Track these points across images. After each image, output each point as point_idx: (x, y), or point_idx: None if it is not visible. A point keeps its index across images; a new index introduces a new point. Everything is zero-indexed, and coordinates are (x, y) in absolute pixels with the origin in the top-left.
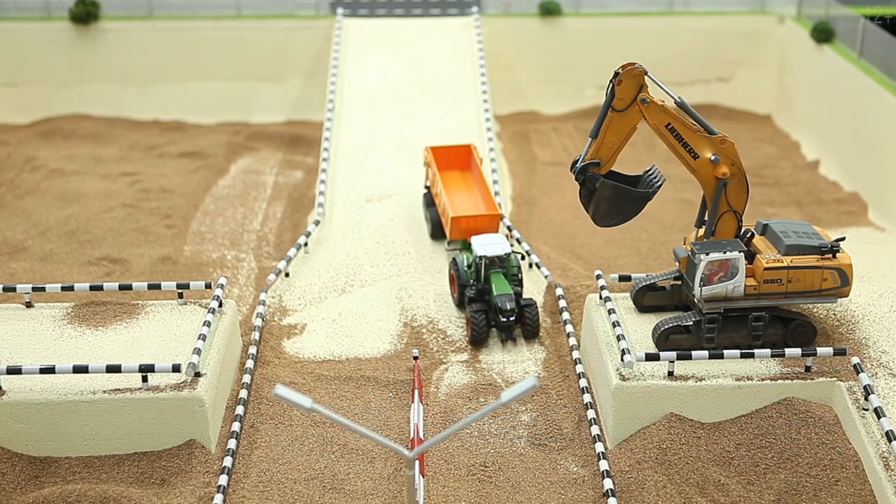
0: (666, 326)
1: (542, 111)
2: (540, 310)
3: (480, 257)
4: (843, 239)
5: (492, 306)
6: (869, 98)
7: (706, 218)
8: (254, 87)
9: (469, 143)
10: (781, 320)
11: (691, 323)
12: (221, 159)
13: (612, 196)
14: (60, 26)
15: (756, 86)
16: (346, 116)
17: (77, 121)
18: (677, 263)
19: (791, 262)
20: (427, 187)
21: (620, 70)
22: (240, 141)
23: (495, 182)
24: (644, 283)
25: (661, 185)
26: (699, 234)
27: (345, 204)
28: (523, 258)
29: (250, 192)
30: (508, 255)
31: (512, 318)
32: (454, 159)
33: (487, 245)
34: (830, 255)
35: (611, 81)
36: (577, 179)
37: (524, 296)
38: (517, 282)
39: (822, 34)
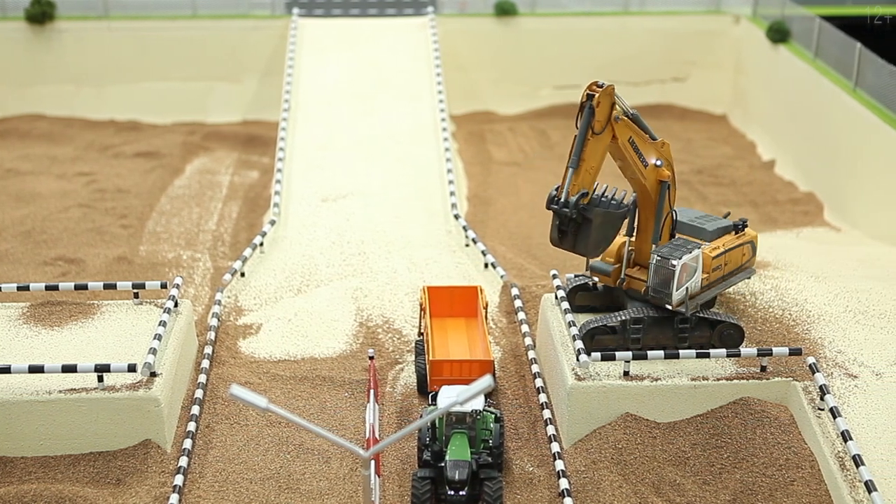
0: (592, 326)
1: (498, 111)
2: (503, 483)
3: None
4: (728, 214)
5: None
6: (824, 98)
7: (636, 224)
8: (209, 87)
9: (475, 286)
10: (708, 322)
11: (617, 323)
12: (177, 159)
13: (602, 222)
14: (16, 26)
15: (712, 86)
16: (302, 116)
17: (32, 121)
18: (595, 278)
19: (724, 245)
20: (421, 333)
21: (593, 91)
22: (195, 141)
23: (451, 182)
24: (575, 284)
25: (630, 199)
26: (632, 242)
27: (300, 204)
28: (498, 420)
29: (206, 192)
30: (480, 413)
31: (462, 494)
32: (456, 304)
33: (453, 398)
34: (743, 232)
35: (585, 104)
36: (569, 216)
37: (492, 467)
38: (487, 448)
39: (778, 34)
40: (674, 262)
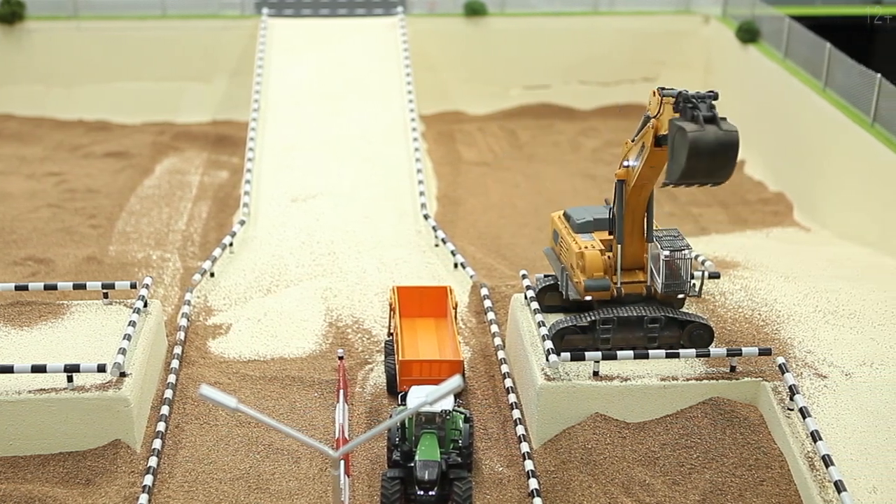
0: (561, 326)
1: (467, 111)
2: (473, 483)
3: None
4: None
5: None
6: (794, 98)
7: (623, 225)
8: (179, 86)
9: (445, 286)
10: (678, 322)
11: (587, 323)
12: (147, 159)
13: None
14: None
15: (681, 86)
16: (272, 116)
17: (2, 121)
18: (588, 297)
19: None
20: (391, 334)
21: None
22: (165, 141)
23: (420, 182)
24: (544, 284)
25: None
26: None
27: (270, 204)
28: (468, 420)
29: (175, 192)
30: (449, 413)
31: (432, 494)
32: (426, 304)
33: (422, 398)
34: None
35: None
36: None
37: (462, 467)
38: (457, 448)
39: (748, 34)
40: (687, 253)
